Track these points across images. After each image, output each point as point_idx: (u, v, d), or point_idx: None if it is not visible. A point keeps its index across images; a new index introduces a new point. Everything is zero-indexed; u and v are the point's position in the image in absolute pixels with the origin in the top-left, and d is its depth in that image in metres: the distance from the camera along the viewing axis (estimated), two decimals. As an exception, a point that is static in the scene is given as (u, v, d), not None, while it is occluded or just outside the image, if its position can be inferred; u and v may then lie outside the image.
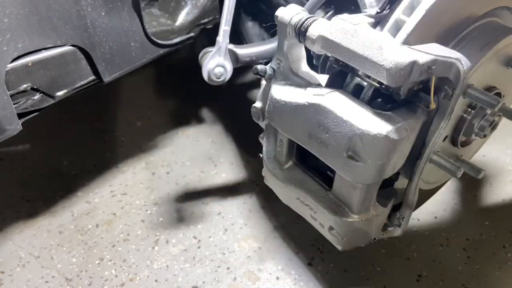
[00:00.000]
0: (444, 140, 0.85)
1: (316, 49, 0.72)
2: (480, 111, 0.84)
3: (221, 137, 1.60)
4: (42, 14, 0.82)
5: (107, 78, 1.00)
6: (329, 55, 0.73)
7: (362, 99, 0.72)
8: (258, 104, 0.92)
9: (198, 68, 0.98)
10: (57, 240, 1.25)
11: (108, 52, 0.97)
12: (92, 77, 0.99)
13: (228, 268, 1.18)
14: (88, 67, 0.96)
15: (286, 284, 1.15)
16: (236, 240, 1.25)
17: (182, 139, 1.60)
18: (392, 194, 0.85)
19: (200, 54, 0.98)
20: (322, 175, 0.86)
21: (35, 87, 0.89)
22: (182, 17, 1.15)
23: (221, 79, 0.98)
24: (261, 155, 0.95)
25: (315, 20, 0.72)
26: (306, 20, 0.73)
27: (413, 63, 0.62)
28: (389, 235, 0.92)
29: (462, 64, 0.67)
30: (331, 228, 0.83)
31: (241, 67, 1.02)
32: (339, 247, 0.88)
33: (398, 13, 0.74)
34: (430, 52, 0.65)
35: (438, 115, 0.73)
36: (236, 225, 1.29)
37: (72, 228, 1.29)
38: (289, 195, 0.90)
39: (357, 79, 0.74)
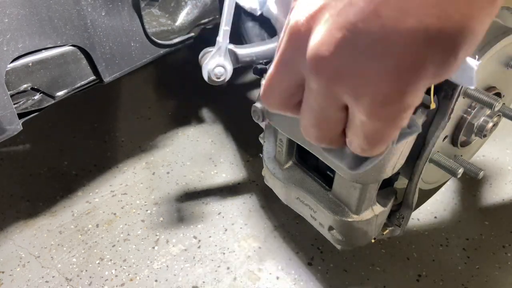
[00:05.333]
0: (444, 140, 0.85)
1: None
2: (480, 111, 0.84)
3: (221, 137, 1.60)
4: (42, 14, 0.82)
5: (107, 78, 1.00)
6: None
7: (362, 99, 0.72)
8: (258, 104, 0.92)
9: (198, 68, 0.98)
10: (57, 240, 1.25)
11: (108, 52, 0.97)
12: (92, 77, 0.98)
13: (228, 268, 1.18)
14: (88, 67, 0.96)
15: (286, 284, 1.15)
16: (236, 240, 1.25)
17: (182, 139, 1.60)
18: (392, 194, 0.85)
19: (200, 54, 0.98)
20: (322, 175, 0.86)
21: (35, 87, 0.89)
22: (182, 17, 1.15)
23: (221, 79, 0.98)
24: (261, 155, 0.95)
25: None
26: (306, 20, 0.73)
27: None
28: (389, 235, 0.92)
29: (462, 64, 0.67)
30: (331, 228, 0.83)
31: (241, 67, 1.02)
32: (339, 247, 0.88)
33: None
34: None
35: (438, 115, 0.73)
36: (236, 225, 1.29)
37: (72, 228, 1.29)
38: (289, 195, 0.90)
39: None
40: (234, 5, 0.93)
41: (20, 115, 0.89)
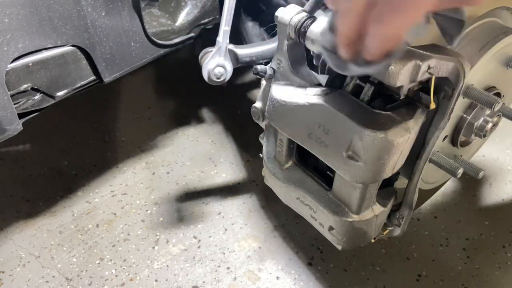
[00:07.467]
0: (443, 140, 0.85)
1: (316, 49, 0.73)
2: (480, 111, 0.85)
3: (221, 137, 1.60)
4: (42, 14, 0.82)
5: (107, 78, 1.00)
6: (329, 55, 0.73)
7: (362, 99, 0.72)
8: (258, 104, 0.92)
9: (198, 68, 0.98)
10: (57, 240, 1.25)
11: (108, 52, 0.97)
12: (92, 77, 0.99)
13: (228, 268, 1.18)
14: (88, 67, 0.96)
15: (286, 284, 1.15)
16: (236, 240, 1.25)
17: (182, 139, 1.60)
18: (392, 194, 0.85)
19: (200, 54, 0.98)
20: (322, 175, 0.86)
21: (35, 87, 0.89)
22: (182, 17, 1.15)
23: (221, 79, 0.98)
24: (261, 155, 0.95)
25: (315, 20, 0.72)
26: (306, 20, 0.73)
27: (413, 63, 0.62)
28: (389, 235, 0.92)
29: (462, 64, 0.67)
30: (331, 228, 0.83)
31: (241, 67, 1.02)
32: (339, 247, 0.88)
33: (398, 13, 0.74)
34: (429, 52, 0.65)
35: (438, 115, 0.73)
36: (236, 225, 1.30)
37: (72, 228, 1.29)
38: (289, 195, 0.90)
39: (357, 79, 0.74)
40: (234, 5, 0.93)
41: (20, 115, 0.89)
